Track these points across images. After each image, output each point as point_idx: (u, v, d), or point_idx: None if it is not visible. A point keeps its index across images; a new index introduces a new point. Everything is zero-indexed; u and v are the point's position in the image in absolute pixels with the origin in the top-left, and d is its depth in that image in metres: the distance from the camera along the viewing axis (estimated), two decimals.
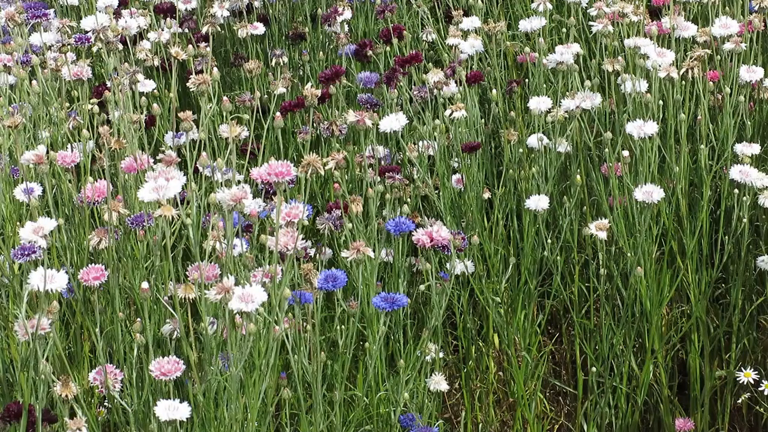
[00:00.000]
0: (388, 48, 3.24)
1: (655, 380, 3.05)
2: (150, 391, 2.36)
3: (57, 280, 2.24)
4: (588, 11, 3.15)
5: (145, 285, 2.36)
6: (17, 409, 2.21)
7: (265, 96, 2.96)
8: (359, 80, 3.20)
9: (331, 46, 3.41)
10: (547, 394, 3.17)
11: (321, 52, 3.33)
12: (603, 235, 2.74)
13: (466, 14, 3.27)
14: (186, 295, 2.34)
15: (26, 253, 2.33)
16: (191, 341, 2.33)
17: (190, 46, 2.87)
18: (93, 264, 2.45)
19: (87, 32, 3.02)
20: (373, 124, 2.83)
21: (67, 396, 2.29)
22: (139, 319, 2.35)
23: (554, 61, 2.97)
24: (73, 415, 2.34)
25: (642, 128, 2.79)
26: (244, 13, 3.38)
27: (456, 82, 2.99)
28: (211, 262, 2.35)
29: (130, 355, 2.41)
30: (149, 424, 2.35)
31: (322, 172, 2.39)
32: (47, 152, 2.61)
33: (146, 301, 2.41)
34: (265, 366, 2.36)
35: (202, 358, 2.34)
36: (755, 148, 2.85)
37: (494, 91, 3.06)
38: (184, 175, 2.44)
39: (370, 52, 3.23)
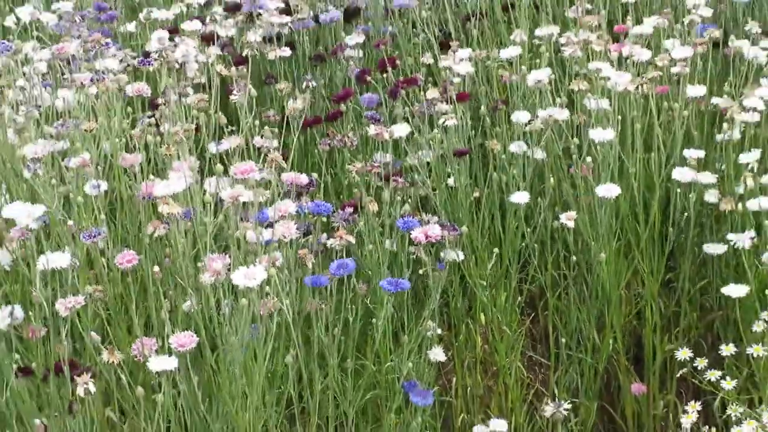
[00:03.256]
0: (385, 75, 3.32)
1: (615, 352, 3.07)
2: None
3: (58, 261, 2.39)
4: (559, 40, 3.20)
5: (156, 269, 2.43)
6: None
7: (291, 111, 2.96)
8: (363, 101, 3.28)
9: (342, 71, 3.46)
10: (525, 363, 3.17)
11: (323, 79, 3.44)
12: (571, 224, 2.85)
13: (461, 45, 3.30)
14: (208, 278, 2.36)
15: (92, 235, 2.48)
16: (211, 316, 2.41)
17: (233, 68, 2.97)
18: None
19: (149, 55, 3.09)
20: (390, 137, 2.87)
21: (112, 362, 2.35)
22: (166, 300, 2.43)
23: (534, 80, 3.03)
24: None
25: (603, 135, 2.86)
26: (275, 39, 3.44)
27: (447, 101, 3.03)
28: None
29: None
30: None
31: (286, 167, 2.53)
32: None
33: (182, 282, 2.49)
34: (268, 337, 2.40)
35: (220, 332, 2.41)
36: (701, 153, 2.90)
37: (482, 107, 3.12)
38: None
39: (369, 78, 3.24)
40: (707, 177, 2.87)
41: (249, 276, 2.28)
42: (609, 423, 3.16)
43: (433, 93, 3.02)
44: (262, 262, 2.34)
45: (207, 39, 3.27)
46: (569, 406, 2.45)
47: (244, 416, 2.40)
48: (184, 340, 2.30)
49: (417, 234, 2.58)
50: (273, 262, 2.36)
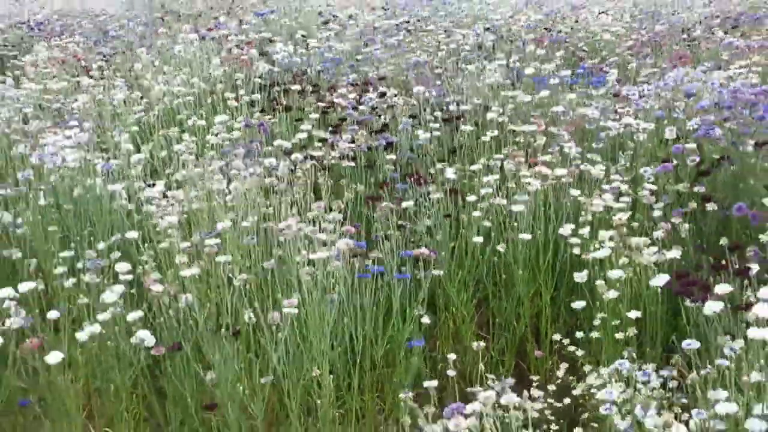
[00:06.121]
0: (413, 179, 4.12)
1: (526, 333, 3.59)
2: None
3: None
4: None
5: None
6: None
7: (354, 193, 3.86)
8: (398, 188, 4.02)
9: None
10: (477, 336, 3.55)
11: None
12: (503, 249, 3.53)
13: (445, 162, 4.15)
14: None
15: (249, 241, 3.18)
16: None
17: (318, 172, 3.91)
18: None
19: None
20: (398, 207, 3.71)
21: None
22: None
23: (486, 181, 3.84)
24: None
25: (520, 207, 3.62)
26: (346, 156, 4.25)
27: (444, 193, 3.88)
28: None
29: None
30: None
31: (340, 215, 3.24)
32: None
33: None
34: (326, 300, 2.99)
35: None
36: (571, 226, 3.63)
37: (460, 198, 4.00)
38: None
39: (420, 180, 4.04)
40: (575, 239, 3.63)
41: (308, 272, 3.06)
42: (522, 373, 3.52)
43: (431, 188, 3.89)
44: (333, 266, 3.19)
45: (306, 157, 4.18)
46: (483, 344, 2.95)
47: (320, 352, 3.00)
48: (292, 301, 3.01)
49: (418, 252, 3.42)
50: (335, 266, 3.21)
